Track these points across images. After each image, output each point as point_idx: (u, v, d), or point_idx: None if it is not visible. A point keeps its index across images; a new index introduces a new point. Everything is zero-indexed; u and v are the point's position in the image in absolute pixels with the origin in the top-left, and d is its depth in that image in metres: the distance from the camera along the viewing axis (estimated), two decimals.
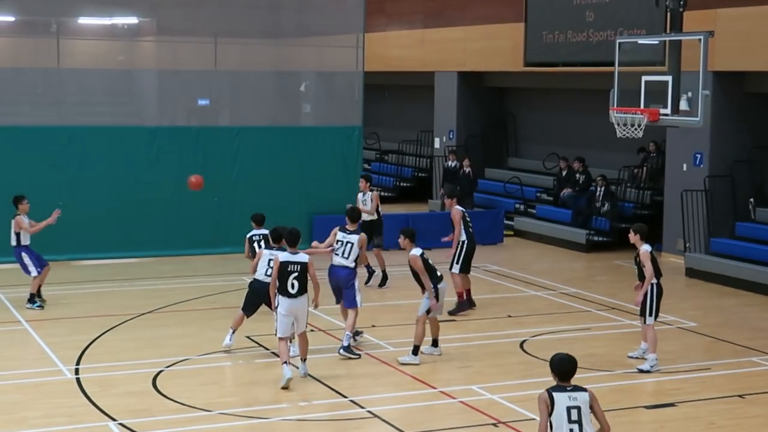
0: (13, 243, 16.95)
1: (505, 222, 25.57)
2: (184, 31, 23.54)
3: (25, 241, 17.03)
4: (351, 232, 14.67)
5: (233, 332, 14.55)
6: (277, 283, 13.08)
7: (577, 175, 25.42)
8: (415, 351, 14.08)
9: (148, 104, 23.62)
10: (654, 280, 13.99)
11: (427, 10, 30.69)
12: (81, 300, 17.83)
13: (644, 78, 16.81)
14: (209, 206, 22.14)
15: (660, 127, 17.48)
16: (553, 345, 15.22)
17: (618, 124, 16.85)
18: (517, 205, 27.11)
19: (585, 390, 8.63)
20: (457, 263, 17.10)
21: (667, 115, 16.25)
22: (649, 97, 16.65)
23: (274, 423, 11.81)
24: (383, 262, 19.34)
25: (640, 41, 19.95)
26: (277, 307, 13.23)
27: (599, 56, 23.10)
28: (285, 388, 12.79)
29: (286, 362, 12.89)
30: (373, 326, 16.18)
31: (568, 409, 8.49)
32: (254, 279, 14.47)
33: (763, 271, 19.60)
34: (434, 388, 13.10)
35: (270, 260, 13.90)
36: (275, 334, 13.31)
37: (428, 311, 14.15)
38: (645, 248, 14.09)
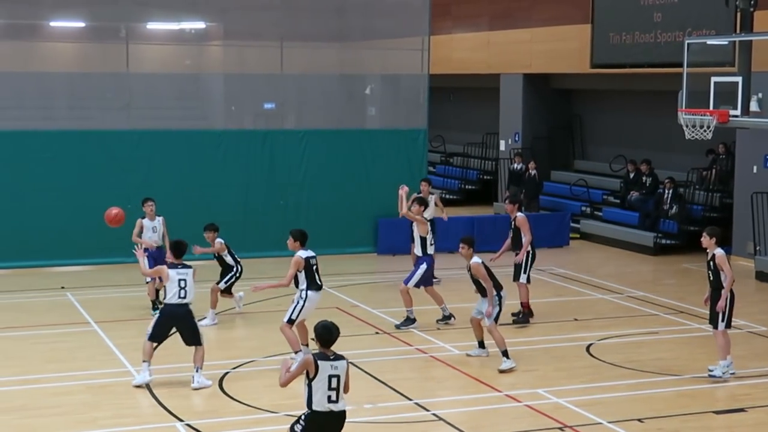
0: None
1: (571, 225, 25.38)
2: (251, 35, 23.72)
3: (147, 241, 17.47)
4: None
5: (149, 365, 13.15)
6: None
7: (644, 178, 25.17)
8: (506, 354, 13.94)
9: (215, 108, 23.87)
10: None
11: (493, 12, 30.58)
12: (148, 302, 18.00)
13: (713, 79, 16.63)
14: (276, 209, 22.28)
15: (729, 128, 17.29)
16: (619, 349, 15.11)
17: (687, 126, 16.68)
18: (583, 208, 26.91)
19: (344, 358, 9.33)
20: (525, 272, 16.71)
21: (736, 116, 16.06)
22: (718, 98, 16.47)
23: None
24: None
25: (709, 42, 19.73)
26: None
27: (667, 57, 22.87)
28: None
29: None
30: (438, 329, 16.16)
31: (329, 377, 9.19)
32: (165, 303, 13.28)
33: None
34: (499, 391, 13.04)
35: (181, 281, 12.98)
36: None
37: (496, 317, 14.18)
38: (719, 251, 13.57)
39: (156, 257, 16.86)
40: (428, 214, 20.03)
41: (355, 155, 23.13)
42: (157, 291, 17.07)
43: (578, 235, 25.63)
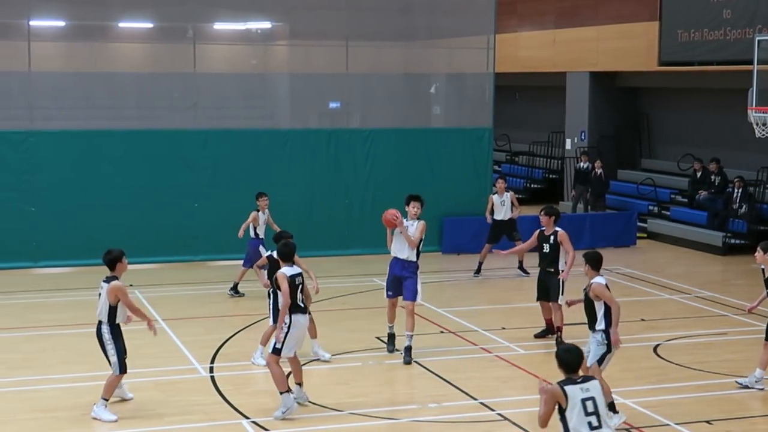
0: (251, 235, 18.03)
1: (639, 224, 25.14)
2: (316, 35, 23.84)
3: (262, 234, 18.03)
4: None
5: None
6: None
7: (713, 177, 24.85)
8: (612, 407, 11.57)
9: (280, 107, 24.01)
10: None
11: (559, 10, 30.39)
12: (215, 300, 18.19)
13: None
14: (341, 208, 22.37)
15: None
16: (687, 350, 14.93)
17: (756, 124, 16.48)
18: (650, 207, 26.64)
19: (594, 378, 8.49)
20: (562, 294, 14.90)
21: None
22: None
23: (404, 424, 11.83)
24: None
25: None
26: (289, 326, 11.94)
27: (737, 54, 22.56)
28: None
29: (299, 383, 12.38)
30: (503, 328, 16.10)
31: (583, 401, 8.29)
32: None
33: None
34: None
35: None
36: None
37: (601, 359, 11.70)
38: None
39: (256, 246, 17.75)
40: (503, 213, 20.22)
41: (420, 154, 23.11)
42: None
43: (645, 235, 25.37)
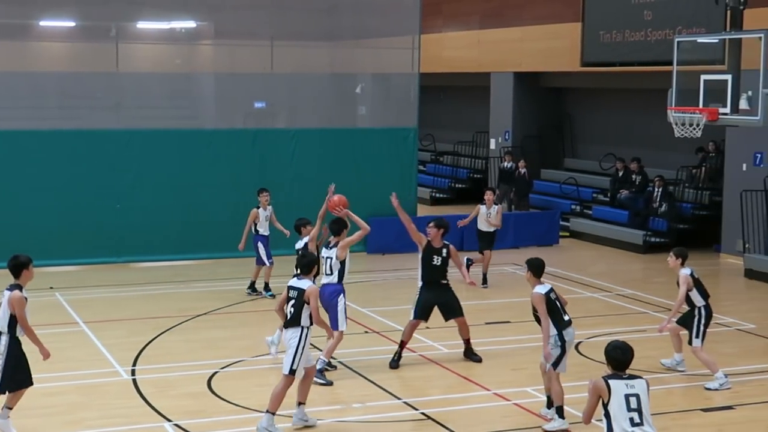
0: (253, 231, 18.20)
1: (561, 223, 25.42)
2: (241, 34, 23.71)
3: (263, 231, 18.11)
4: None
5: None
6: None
7: (634, 176, 25.21)
8: (560, 412, 11.69)
9: (205, 107, 23.85)
10: (702, 303, 13.37)
11: (484, 10, 30.61)
12: (138, 301, 18.02)
13: (703, 77, 16.66)
14: None
15: (719, 126, 17.32)
16: None
17: (676, 124, 16.71)
18: (573, 206, 26.95)
19: (642, 378, 8.66)
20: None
21: (726, 114, 16.09)
22: (708, 96, 16.48)
23: (329, 424, 11.82)
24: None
25: (699, 40, 19.75)
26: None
27: (657, 55, 22.93)
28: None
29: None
30: (428, 328, 16.15)
31: (626, 397, 8.46)
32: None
33: None
34: (488, 390, 13.06)
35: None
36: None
37: (556, 363, 11.78)
38: (684, 272, 13.31)
39: (265, 244, 18.03)
40: (486, 225, 19.91)
41: (346, 154, 23.13)
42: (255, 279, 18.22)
43: (568, 234, 25.66)
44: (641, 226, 24.04)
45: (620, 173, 25.78)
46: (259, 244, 18.04)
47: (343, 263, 13.50)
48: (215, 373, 13.66)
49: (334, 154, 23.00)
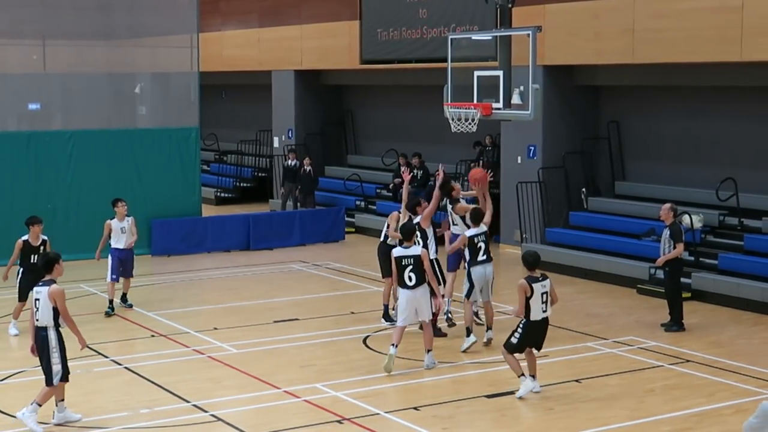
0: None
1: (347, 219, 25.68)
2: (11, 33, 22.87)
3: (115, 243, 17.20)
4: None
5: None
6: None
7: (416, 171, 25.67)
8: (468, 332, 14.70)
9: None
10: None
11: (262, 9, 30.58)
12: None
13: (476, 73, 17.10)
14: (43, 213, 21.33)
15: (494, 121, 17.82)
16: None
17: (452, 119, 17.10)
18: (357, 202, 27.26)
19: (548, 277, 12.32)
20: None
21: (499, 109, 16.56)
22: (481, 92, 16.94)
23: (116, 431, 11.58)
24: None
25: (474, 37, 20.31)
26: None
27: (433, 53, 23.45)
28: (389, 371, 13.38)
29: (394, 344, 13.53)
30: (215, 329, 16.04)
31: (542, 294, 12.17)
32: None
33: (596, 258, 20.21)
34: (278, 388, 13.05)
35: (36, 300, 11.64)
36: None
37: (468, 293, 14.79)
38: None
39: (124, 259, 17.15)
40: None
41: (126, 155, 22.66)
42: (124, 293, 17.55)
43: (353, 230, 25.95)
44: None
45: (402, 168, 26.18)
46: (109, 257, 17.15)
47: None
48: None
49: (114, 156, 22.49)
